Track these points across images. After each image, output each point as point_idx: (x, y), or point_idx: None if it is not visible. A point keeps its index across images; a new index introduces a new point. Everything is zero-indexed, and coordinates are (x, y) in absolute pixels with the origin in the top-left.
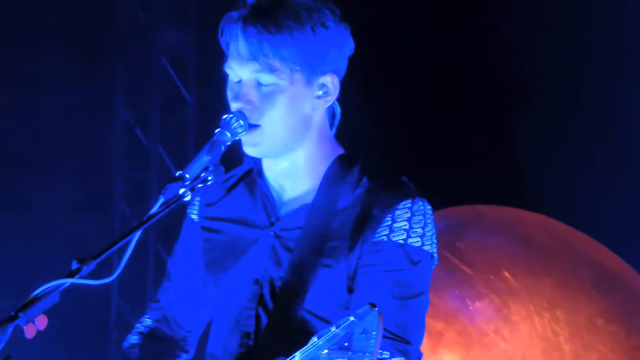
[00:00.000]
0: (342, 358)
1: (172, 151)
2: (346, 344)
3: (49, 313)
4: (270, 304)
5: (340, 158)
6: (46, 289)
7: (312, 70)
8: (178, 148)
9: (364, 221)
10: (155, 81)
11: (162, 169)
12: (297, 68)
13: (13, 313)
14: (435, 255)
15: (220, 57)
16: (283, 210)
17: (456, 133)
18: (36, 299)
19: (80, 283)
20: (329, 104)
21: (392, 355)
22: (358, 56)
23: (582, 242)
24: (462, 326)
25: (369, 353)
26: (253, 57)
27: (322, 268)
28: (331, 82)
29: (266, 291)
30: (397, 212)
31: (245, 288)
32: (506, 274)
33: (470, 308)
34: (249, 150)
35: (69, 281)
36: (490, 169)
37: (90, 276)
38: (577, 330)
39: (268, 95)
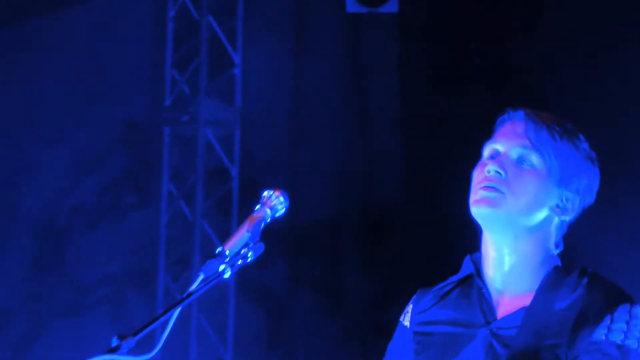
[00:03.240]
0: None
1: (215, 225)
2: None
3: None
4: None
5: (558, 267)
6: None
7: (565, 178)
8: (222, 222)
9: (584, 320)
10: (199, 154)
11: (206, 243)
12: (557, 167)
13: None
14: None
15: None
16: (499, 312)
17: None
18: None
19: None
20: (564, 219)
21: None
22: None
23: None
24: None
25: None
26: (526, 137)
27: None
28: (573, 201)
29: None
30: (617, 314)
31: None
32: None
33: None
34: (482, 208)
35: (108, 358)
36: None
37: (130, 352)
38: None
39: (524, 173)
